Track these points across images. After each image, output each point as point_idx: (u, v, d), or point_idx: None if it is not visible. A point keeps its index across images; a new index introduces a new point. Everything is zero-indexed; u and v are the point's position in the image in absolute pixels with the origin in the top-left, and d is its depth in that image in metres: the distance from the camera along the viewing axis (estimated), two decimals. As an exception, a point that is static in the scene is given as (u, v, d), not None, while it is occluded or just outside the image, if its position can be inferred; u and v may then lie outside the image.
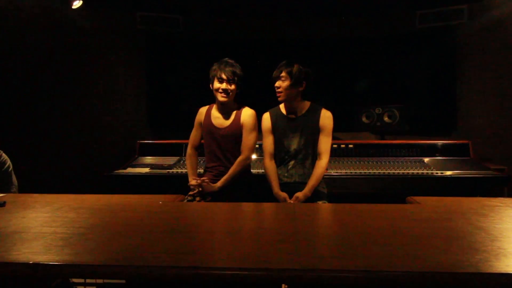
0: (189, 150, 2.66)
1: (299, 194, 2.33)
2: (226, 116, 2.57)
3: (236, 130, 2.53)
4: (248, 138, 2.51)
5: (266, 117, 2.55)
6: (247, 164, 2.57)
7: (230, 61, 2.50)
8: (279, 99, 2.45)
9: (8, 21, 3.78)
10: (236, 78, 2.47)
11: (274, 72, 2.44)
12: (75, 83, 4.19)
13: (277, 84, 2.41)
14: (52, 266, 1.05)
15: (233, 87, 2.48)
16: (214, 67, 2.50)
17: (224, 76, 2.45)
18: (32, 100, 3.97)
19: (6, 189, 2.47)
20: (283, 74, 2.39)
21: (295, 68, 2.38)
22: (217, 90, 2.48)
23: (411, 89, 4.44)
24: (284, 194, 2.36)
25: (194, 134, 2.67)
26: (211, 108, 2.63)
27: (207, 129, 2.58)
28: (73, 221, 1.50)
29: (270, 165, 2.49)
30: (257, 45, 4.53)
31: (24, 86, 3.92)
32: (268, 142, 2.51)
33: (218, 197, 2.45)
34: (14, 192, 2.53)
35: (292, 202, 2.32)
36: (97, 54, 4.30)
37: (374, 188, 3.10)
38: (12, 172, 2.61)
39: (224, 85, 2.45)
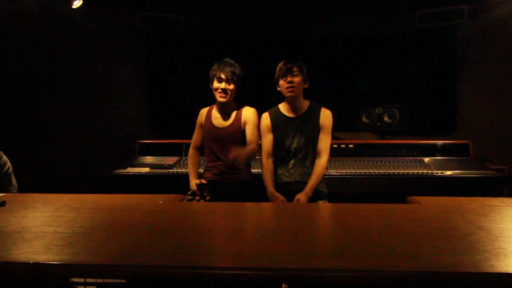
0: (190, 150, 2.69)
1: (300, 196, 2.30)
2: (226, 116, 2.57)
3: (236, 130, 2.53)
4: (253, 132, 2.50)
5: (266, 116, 2.54)
6: (256, 153, 2.52)
7: (229, 61, 2.51)
8: (292, 94, 2.39)
9: (8, 21, 3.78)
10: (235, 78, 2.47)
11: (281, 68, 2.39)
12: (75, 83, 4.20)
13: (289, 78, 2.37)
14: (52, 266, 1.04)
15: (232, 87, 2.48)
16: (214, 67, 2.51)
17: (223, 76, 2.45)
18: (32, 100, 3.97)
19: (5, 190, 2.47)
20: (295, 68, 2.37)
21: (303, 64, 2.42)
22: (216, 89, 2.48)
23: (411, 89, 4.44)
24: (280, 197, 2.35)
25: (196, 135, 2.68)
26: (212, 109, 2.63)
27: (207, 129, 2.59)
28: (73, 221, 1.50)
29: (267, 164, 2.48)
30: (257, 45, 4.54)
31: (24, 86, 3.92)
32: (267, 141, 2.51)
33: (218, 197, 2.45)
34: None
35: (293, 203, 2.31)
36: (97, 54, 4.31)
37: (374, 188, 3.10)
38: (12, 174, 2.61)
39: (223, 85, 2.46)
